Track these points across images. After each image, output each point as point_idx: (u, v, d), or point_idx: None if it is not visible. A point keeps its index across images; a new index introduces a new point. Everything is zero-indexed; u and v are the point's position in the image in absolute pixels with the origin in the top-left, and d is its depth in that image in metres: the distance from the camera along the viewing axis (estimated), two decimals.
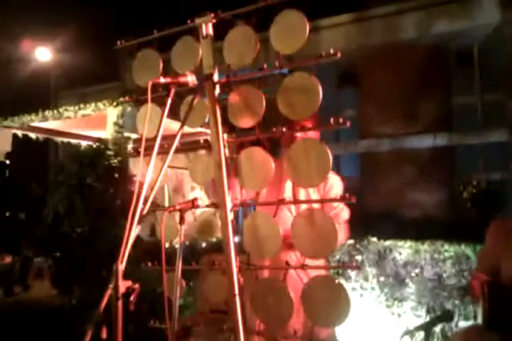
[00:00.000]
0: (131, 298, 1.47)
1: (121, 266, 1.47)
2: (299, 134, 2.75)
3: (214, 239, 2.38)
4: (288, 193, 2.82)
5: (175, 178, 10.32)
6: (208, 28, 2.15)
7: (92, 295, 5.18)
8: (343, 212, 2.81)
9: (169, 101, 1.75)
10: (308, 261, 2.03)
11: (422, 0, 13.04)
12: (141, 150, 1.69)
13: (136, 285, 1.48)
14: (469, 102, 14.19)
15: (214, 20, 2.14)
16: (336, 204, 2.74)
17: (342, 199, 1.93)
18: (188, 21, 2.21)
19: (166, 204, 9.35)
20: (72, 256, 5.84)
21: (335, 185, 2.85)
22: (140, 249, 5.88)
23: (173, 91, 1.75)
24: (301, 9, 1.93)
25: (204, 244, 6.16)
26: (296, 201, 2.05)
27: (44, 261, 6.50)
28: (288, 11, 1.93)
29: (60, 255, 5.98)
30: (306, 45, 1.94)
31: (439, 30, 12.96)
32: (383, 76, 13.56)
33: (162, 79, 1.75)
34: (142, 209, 1.58)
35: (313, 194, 2.81)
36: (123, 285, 1.46)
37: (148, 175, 1.65)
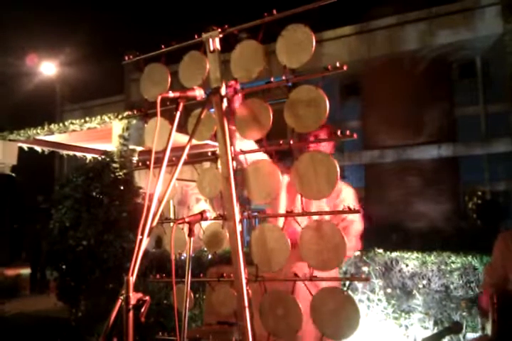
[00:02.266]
0: (142, 309, 1.47)
1: (132, 278, 1.47)
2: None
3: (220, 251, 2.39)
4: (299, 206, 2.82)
5: (180, 191, 10.34)
6: (215, 43, 2.18)
7: (98, 307, 5.17)
8: (355, 224, 2.79)
9: (178, 115, 1.77)
10: (318, 273, 2.04)
11: (424, 12, 13.12)
12: (151, 163, 1.71)
13: (147, 297, 1.49)
14: (473, 113, 14.22)
15: (221, 35, 2.17)
16: (344, 215, 2.73)
17: (349, 211, 1.94)
18: (195, 36, 2.24)
19: (171, 217, 9.34)
20: (78, 269, 5.85)
21: (348, 198, 2.83)
22: (147, 261, 5.89)
23: (181, 105, 1.77)
24: (304, 22, 1.96)
25: (210, 256, 6.16)
26: (303, 213, 2.06)
27: (50, 274, 6.50)
28: (294, 26, 1.96)
29: (66, 267, 5.98)
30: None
31: (441, 42, 13.02)
32: (387, 87, 13.62)
33: (171, 94, 1.77)
34: (152, 222, 1.59)
35: (325, 206, 2.80)
36: (134, 297, 1.46)
37: (158, 188, 1.66)
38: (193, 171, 2.48)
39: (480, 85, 14.28)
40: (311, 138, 2.68)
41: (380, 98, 13.90)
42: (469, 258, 4.83)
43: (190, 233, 2.01)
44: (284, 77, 2.02)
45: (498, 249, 2.81)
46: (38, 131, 7.67)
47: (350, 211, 1.94)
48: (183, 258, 2.60)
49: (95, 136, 7.79)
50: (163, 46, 2.42)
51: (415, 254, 5.11)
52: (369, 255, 5.06)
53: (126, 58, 2.57)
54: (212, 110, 2.20)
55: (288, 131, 2.11)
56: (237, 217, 2.10)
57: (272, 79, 2.09)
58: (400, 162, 13.38)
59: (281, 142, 2.06)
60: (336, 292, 1.95)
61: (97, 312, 5.02)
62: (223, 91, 2.18)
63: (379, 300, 4.88)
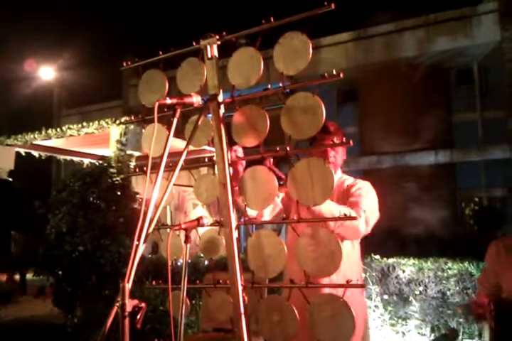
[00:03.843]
0: (138, 316, 1.47)
1: (128, 285, 1.47)
2: (332, 154, 2.81)
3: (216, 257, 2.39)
4: None
5: (177, 196, 10.34)
6: (212, 50, 2.19)
7: (94, 314, 5.15)
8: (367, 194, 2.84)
9: (175, 122, 1.78)
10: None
11: (422, 19, 13.19)
12: (148, 169, 1.71)
13: (143, 304, 1.48)
14: (470, 119, 14.28)
15: (219, 42, 2.18)
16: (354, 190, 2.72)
17: (347, 217, 1.94)
18: (193, 43, 2.25)
19: (168, 222, 9.35)
20: (75, 274, 5.83)
21: (364, 188, 2.89)
22: (143, 267, 5.87)
23: (178, 111, 1.78)
24: (302, 28, 1.97)
25: (206, 262, 6.15)
26: (298, 220, 2.06)
27: (46, 280, 6.47)
28: (292, 33, 1.97)
29: (62, 273, 5.96)
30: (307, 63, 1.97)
31: (439, 49, 13.09)
32: (384, 93, 13.67)
33: (168, 100, 1.78)
34: (148, 228, 1.59)
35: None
36: (130, 303, 1.46)
37: (155, 193, 1.66)
38: (190, 177, 2.48)
39: (477, 92, 14.36)
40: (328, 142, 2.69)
41: (378, 104, 13.94)
42: (466, 264, 4.84)
43: (187, 239, 2.01)
44: (280, 84, 2.03)
45: (490, 256, 2.82)
46: (36, 135, 7.67)
47: (348, 218, 1.94)
48: (179, 264, 2.59)
49: (93, 141, 7.80)
50: (161, 52, 2.42)
51: (412, 260, 5.11)
52: (365, 261, 5.06)
53: (125, 64, 2.57)
54: (210, 116, 2.21)
55: (285, 137, 2.11)
56: (234, 223, 2.10)
57: (269, 86, 2.10)
58: (397, 168, 13.41)
59: (277, 148, 2.06)
60: (332, 298, 1.95)
61: (93, 319, 5.00)
62: (220, 98, 2.18)
63: (376, 306, 4.88)
